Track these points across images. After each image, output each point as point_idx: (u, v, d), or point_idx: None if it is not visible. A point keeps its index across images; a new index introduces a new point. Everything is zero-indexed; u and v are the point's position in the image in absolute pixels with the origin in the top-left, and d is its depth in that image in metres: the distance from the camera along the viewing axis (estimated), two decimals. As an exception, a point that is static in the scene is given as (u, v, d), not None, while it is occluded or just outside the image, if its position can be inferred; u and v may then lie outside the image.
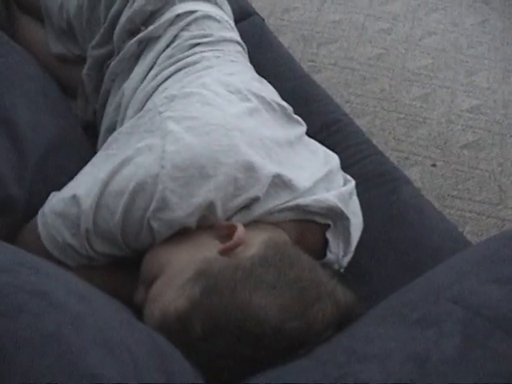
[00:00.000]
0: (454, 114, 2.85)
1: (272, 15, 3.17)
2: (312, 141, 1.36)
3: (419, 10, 3.36)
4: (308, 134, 1.38)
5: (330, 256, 1.21)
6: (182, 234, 1.08)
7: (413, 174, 2.56)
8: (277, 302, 0.95)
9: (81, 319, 0.68)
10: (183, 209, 1.04)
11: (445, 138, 2.73)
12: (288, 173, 1.15)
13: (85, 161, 1.22)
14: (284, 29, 3.12)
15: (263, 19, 2.09)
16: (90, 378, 0.66)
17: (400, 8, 3.35)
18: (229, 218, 1.10)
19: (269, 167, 1.12)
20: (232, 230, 1.05)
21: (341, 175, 1.32)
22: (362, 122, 2.69)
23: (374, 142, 2.35)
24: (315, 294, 0.98)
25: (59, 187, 1.18)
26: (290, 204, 1.14)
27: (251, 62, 1.58)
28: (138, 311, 1.06)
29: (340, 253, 1.23)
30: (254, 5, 2.72)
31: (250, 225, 1.11)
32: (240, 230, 1.05)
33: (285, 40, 3.02)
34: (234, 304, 0.94)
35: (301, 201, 1.15)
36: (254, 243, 1.05)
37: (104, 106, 1.53)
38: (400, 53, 3.10)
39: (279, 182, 1.13)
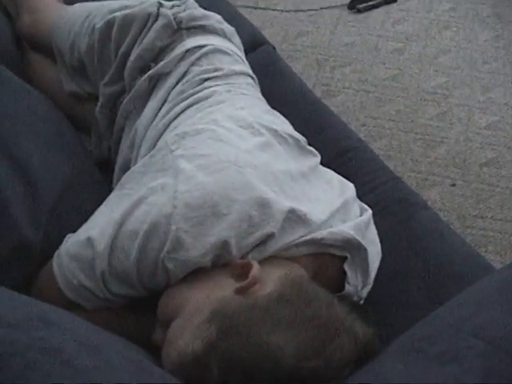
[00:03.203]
0: (472, 132, 2.83)
1: (285, 41, 3.18)
2: (327, 170, 1.35)
3: (432, 29, 3.36)
4: (323, 161, 1.37)
5: (348, 288, 1.19)
6: (197, 273, 1.07)
7: (432, 194, 2.54)
8: (294, 341, 0.93)
9: (91, 374, 0.68)
10: (197, 248, 1.04)
11: (463, 157, 2.71)
12: (303, 207, 1.14)
13: (100, 200, 1.22)
14: (297, 54, 3.12)
15: (274, 48, 2.09)
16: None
17: (412, 27, 3.35)
18: (244, 255, 1.09)
19: (283, 202, 1.11)
20: (247, 268, 1.04)
21: (357, 204, 1.30)
22: (378, 145, 2.69)
23: (392, 164, 2.36)
24: (333, 331, 0.96)
25: (75, 228, 1.18)
26: (306, 238, 1.12)
27: (263, 91, 1.58)
28: (155, 351, 1.05)
29: (359, 284, 1.22)
30: (266, 31, 2.76)
31: (265, 261, 1.09)
32: (255, 268, 1.03)
33: (298, 65, 3.03)
34: (250, 344, 0.93)
35: (316, 234, 1.13)
36: (270, 280, 1.03)
37: (118, 143, 1.54)
38: (414, 72, 3.09)
39: (294, 217, 1.11)
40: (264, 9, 3.38)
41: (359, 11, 3.42)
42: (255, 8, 3.37)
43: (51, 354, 0.68)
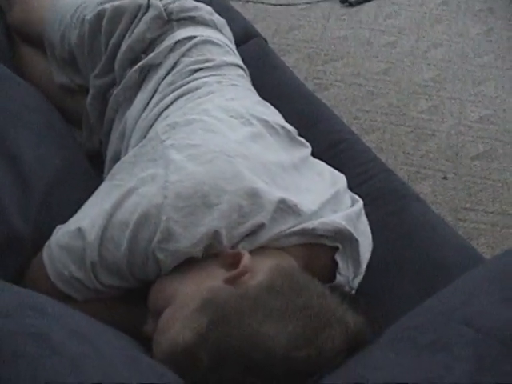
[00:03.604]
0: (464, 125, 2.83)
1: (276, 35, 3.18)
2: (318, 162, 1.35)
3: (424, 22, 3.36)
4: (315, 153, 1.37)
5: (339, 278, 1.19)
6: (188, 263, 1.07)
7: (424, 187, 2.54)
8: (285, 331, 0.93)
9: (80, 362, 0.67)
10: (188, 239, 1.03)
11: (455, 150, 2.72)
12: (293, 197, 1.13)
13: (90, 191, 1.22)
14: (289, 48, 3.12)
15: (266, 41, 2.09)
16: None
17: (404, 21, 3.35)
18: (235, 245, 1.09)
19: (273, 192, 1.10)
20: (238, 257, 1.04)
21: (348, 195, 1.30)
22: (371, 138, 2.69)
23: (384, 157, 2.35)
24: (324, 321, 0.96)
25: (65, 220, 1.18)
26: (296, 228, 1.12)
27: (255, 84, 1.58)
28: (147, 343, 1.05)
29: (350, 275, 1.22)
30: (258, 25, 2.75)
31: (256, 251, 1.09)
32: (246, 257, 1.03)
33: (290, 59, 3.02)
34: (241, 334, 0.93)
35: (307, 224, 1.13)
36: (261, 270, 1.03)
37: (109, 134, 1.53)
38: (406, 66, 3.09)
39: (284, 207, 1.11)
40: (255, 2, 3.37)
41: (351, 5, 3.42)
42: (247, 1, 3.37)
43: (40, 340, 0.67)
